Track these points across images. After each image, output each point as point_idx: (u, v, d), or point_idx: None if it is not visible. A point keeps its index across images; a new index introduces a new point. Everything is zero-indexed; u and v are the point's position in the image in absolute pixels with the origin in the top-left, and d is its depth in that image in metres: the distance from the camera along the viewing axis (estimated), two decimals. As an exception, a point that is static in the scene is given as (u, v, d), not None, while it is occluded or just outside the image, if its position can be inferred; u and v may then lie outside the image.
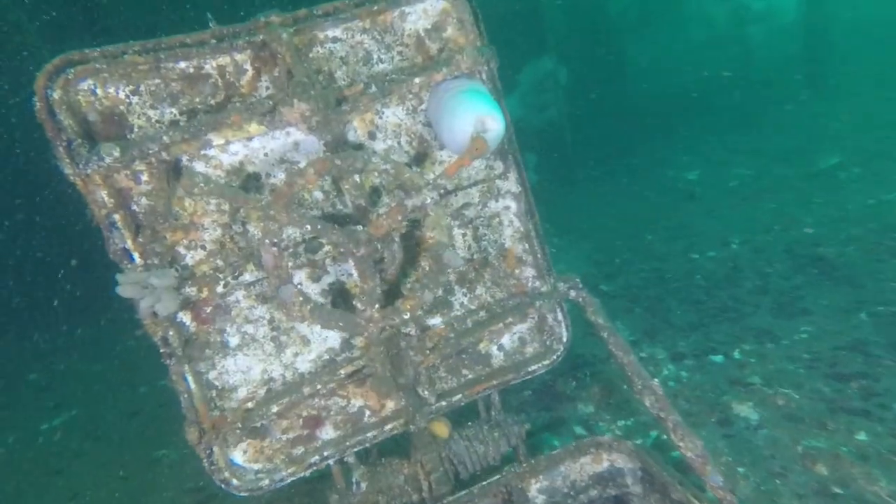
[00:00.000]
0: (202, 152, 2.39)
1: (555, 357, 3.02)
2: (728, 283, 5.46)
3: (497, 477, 2.60)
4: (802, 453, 3.11)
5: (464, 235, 2.95)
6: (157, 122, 2.29)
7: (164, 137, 2.13)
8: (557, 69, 13.24)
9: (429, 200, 2.38)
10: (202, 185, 2.06)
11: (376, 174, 2.65)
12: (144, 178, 2.27)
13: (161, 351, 2.33)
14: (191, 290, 2.38)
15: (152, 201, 2.27)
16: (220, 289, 2.45)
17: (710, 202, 8.60)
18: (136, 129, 2.24)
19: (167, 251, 2.36)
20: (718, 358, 4.16)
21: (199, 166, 2.41)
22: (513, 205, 2.99)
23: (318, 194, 2.65)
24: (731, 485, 2.84)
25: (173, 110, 2.31)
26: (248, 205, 2.20)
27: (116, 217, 2.18)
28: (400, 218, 2.38)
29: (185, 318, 2.44)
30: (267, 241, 2.20)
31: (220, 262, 2.48)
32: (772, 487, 2.97)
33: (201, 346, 2.45)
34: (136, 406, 5.28)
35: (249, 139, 2.48)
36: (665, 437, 3.26)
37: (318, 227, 2.31)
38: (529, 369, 2.99)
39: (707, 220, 7.68)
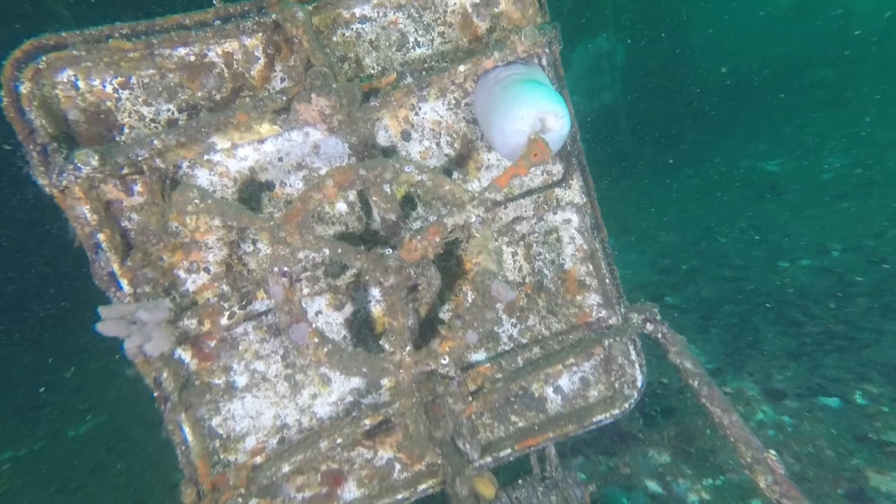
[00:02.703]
0: (205, 157, 2.09)
1: (627, 405, 2.57)
2: (833, 299, 4.66)
3: (555, 559, 2.20)
4: None
5: (514, 255, 2.54)
6: (152, 121, 2.00)
7: (156, 142, 1.82)
8: (615, 48, 12.43)
9: (474, 219, 1.99)
10: (197, 202, 1.74)
11: (409, 186, 2.29)
12: (138, 188, 1.98)
13: (153, 395, 2.06)
14: (190, 322, 2.08)
15: (145, 217, 1.97)
16: (224, 320, 2.14)
17: (797, 198, 7.69)
18: (125, 131, 1.94)
19: (164, 275, 2.08)
20: (833, 401, 3.41)
21: (202, 174, 2.11)
22: (575, 218, 2.54)
23: (342, 206, 2.30)
24: None
25: (171, 107, 2.01)
26: (253, 225, 1.86)
27: (101, 237, 1.90)
28: (438, 239, 1.99)
29: (184, 354, 2.16)
30: (275, 269, 1.87)
31: (225, 288, 2.18)
32: None
33: (202, 388, 2.16)
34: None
35: (261, 141, 2.16)
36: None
37: (339, 251, 1.96)
38: (594, 419, 2.55)
39: (795, 221, 6.82)
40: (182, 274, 2.14)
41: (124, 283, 1.94)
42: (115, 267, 1.92)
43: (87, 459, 4.78)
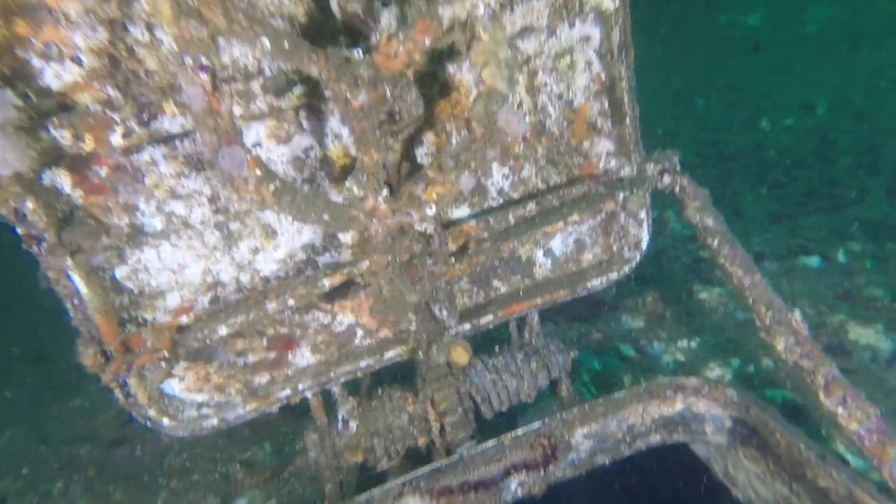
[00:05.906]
0: None
1: (626, 269, 2.33)
2: (818, 159, 4.45)
3: (537, 425, 2.07)
4: None
5: (514, 84, 2.01)
6: None
7: None
8: None
9: (482, 10, 1.44)
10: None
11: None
12: None
13: (19, 232, 1.51)
14: (61, 134, 1.48)
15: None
16: (117, 139, 1.55)
17: (781, 54, 7.29)
18: None
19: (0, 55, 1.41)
20: (814, 260, 3.33)
21: None
22: (596, 35, 2.02)
23: (286, -10, 1.62)
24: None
25: None
26: (143, -17, 1.19)
27: None
28: (428, 41, 1.44)
29: (61, 179, 1.58)
30: (189, 59, 1.26)
31: (113, 93, 1.54)
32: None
33: (94, 229, 1.63)
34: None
35: None
36: (753, 366, 2.68)
37: (285, 45, 1.35)
38: (588, 285, 2.31)
39: (779, 79, 6.49)
40: (35, 60, 1.46)
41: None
42: None
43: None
